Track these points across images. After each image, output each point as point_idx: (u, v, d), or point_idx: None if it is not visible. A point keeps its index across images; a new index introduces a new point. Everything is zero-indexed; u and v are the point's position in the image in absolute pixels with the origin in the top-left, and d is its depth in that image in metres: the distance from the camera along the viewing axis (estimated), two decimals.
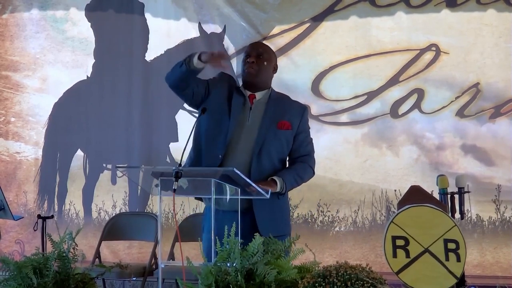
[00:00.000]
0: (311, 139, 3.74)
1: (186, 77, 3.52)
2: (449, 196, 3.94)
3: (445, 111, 5.68)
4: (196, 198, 3.91)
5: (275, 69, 3.74)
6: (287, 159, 3.71)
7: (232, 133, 3.57)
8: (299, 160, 3.66)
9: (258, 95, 3.67)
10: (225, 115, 3.60)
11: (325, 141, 5.75)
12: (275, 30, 6.01)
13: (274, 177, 3.51)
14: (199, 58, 3.44)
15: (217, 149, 3.56)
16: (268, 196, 3.33)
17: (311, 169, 3.69)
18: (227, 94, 3.65)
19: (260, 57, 3.65)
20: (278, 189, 3.49)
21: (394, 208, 5.52)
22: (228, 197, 3.38)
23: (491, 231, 5.53)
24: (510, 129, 5.56)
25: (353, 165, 5.82)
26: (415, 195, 3.20)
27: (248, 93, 3.67)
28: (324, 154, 5.64)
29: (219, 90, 3.65)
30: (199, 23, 6.19)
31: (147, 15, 6.36)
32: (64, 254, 3.19)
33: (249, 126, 3.60)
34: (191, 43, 6.21)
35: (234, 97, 3.64)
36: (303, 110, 3.72)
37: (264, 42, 5.83)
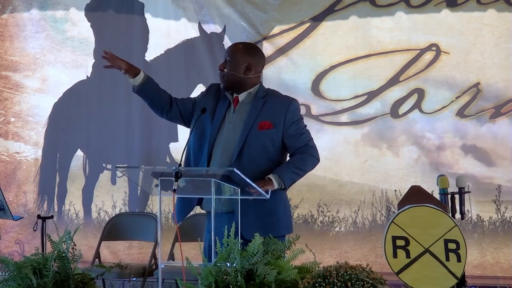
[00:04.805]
0: (305, 127, 3.67)
1: (149, 99, 3.69)
2: (449, 196, 3.94)
3: (445, 111, 5.67)
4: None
5: (248, 69, 3.62)
6: (289, 156, 3.68)
7: (214, 139, 3.59)
8: (297, 153, 3.61)
9: (241, 96, 3.66)
10: (208, 124, 3.62)
11: (325, 141, 5.74)
12: (275, 30, 6.00)
13: (270, 175, 3.49)
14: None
15: (202, 162, 3.57)
16: (268, 196, 3.34)
17: (312, 157, 3.62)
18: (214, 103, 3.66)
19: (225, 64, 3.64)
20: (276, 186, 3.47)
21: (394, 209, 5.51)
22: (228, 197, 3.38)
23: (491, 231, 5.52)
24: (510, 129, 5.55)
25: (353, 165, 5.81)
26: (415, 195, 3.20)
27: (234, 95, 3.67)
28: (324, 154, 5.58)
29: (203, 102, 3.67)
30: (199, 23, 6.18)
31: (147, 15, 6.36)
32: (63, 255, 3.19)
33: (231, 129, 3.60)
34: (191, 43, 6.20)
35: (219, 104, 3.66)
36: (287, 104, 3.63)
37: (264, 42, 5.85)
